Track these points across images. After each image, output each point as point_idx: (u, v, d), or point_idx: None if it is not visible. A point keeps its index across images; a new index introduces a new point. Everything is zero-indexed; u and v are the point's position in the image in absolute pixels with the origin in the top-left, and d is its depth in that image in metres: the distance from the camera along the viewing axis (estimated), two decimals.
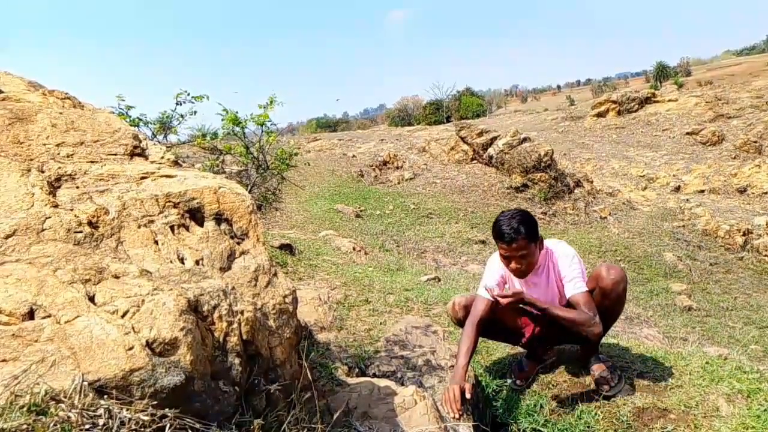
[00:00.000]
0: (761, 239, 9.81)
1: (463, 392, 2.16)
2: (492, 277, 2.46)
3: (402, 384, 2.46)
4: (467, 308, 2.47)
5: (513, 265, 2.27)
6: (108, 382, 1.17)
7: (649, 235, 10.20)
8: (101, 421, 1.07)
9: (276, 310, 1.78)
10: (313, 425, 1.62)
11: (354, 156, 13.83)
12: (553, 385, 2.59)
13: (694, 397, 2.32)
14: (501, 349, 3.09)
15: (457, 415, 2.10)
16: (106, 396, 1.15)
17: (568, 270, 2.30)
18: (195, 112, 6.25)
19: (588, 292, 2.26)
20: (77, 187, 1.76)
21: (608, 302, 2.31)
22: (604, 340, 3.09)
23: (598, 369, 2.48)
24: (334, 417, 1.84)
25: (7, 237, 1.46)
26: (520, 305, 2.58)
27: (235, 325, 1.55)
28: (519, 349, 2.89)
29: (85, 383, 1.13)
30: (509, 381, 2.67)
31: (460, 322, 2.49)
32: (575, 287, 2.27)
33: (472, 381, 2.51)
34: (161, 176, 1.96)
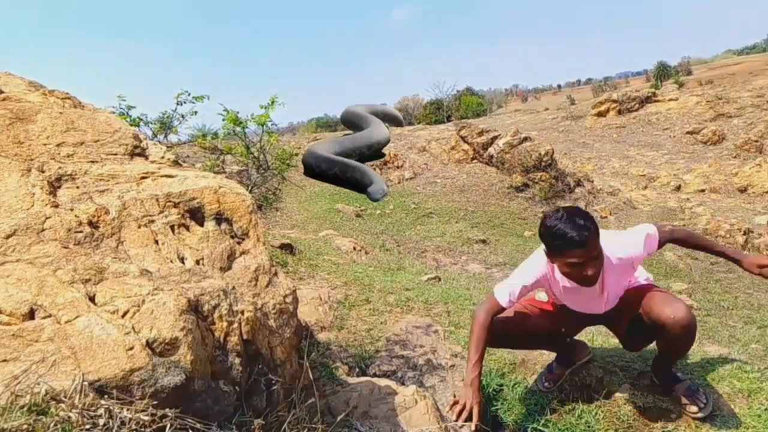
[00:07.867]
0: (762, 238, 9.79)
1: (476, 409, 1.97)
2: (532, 275, 2.08)
3: (403, 383, 2.46)
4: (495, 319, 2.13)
5: (589, 271, 1.85)
6: (108, 382, 1.17)
7: None
8: (101, 421, 1.07)
9: (276, 309, 1.78)
10: (313, 425, 1.61)
11: None
12: None
13: None
14: (501, 348, 3.05)
15: (461, 423, 2.04)
16: (106, 396, 1.15)
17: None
18: (195, 112, 6.28)
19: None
20: (77, 187, 1.76)
21: (673, 345, 2.07)
22: (603, 338, 3.08)
23: (680, 389, 2.26)
24: (335, 417, 1.84)
25: (8, 237, 1.46)
26: (549, 313, 2.32)
27: (235, 325, 1.55)
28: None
29: (86, 383, 1.13)
30: (538, 383, 2.61)
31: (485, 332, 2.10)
32: None
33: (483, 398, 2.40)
34: (161, 176, 1.96)
